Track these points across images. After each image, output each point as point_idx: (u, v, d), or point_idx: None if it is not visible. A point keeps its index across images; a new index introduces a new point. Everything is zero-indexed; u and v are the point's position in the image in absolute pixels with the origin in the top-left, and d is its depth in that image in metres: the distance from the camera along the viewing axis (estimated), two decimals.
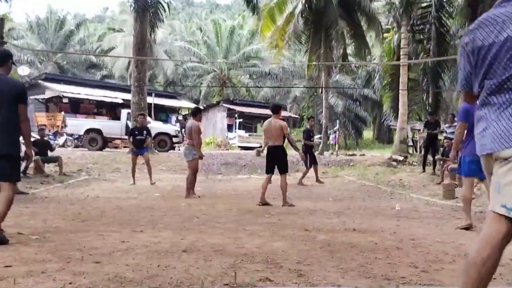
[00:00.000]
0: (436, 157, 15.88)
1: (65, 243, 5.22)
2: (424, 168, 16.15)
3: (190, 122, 11.19)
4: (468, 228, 6.57)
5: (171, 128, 29.04)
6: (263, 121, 15.90)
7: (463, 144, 6.56)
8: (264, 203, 9.45)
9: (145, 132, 13.97)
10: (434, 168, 15.63)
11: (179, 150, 26.44)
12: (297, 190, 12.54)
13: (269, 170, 9.87)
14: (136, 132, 13.97)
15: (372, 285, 3.68)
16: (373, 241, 5.65)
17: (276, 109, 10.20)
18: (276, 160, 9.74)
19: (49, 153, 15.52)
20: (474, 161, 6.50)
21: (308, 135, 15.15)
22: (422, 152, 17.00)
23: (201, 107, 12.18)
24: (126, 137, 24.90)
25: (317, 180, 15.04)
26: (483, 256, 2.54)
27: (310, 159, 14.44)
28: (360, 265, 4.37)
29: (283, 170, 9.71)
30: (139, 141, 13.81)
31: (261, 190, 9.65)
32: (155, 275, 3.91)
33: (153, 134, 24.29)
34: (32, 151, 6.02)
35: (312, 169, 14.91)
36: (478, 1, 14.34)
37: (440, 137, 17.95)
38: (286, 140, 9.71)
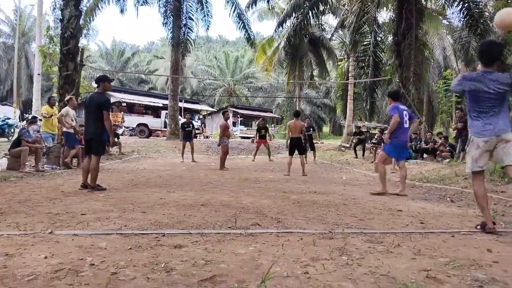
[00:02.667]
0: (371, 142, 16.04)
1: (122, 199, 5.20)
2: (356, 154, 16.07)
3: (221, 120, 11.63)
4: (382, 194, 6.39)
5: (195, 123, 28.98)
6: (257, 120, 16.11)
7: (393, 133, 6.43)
8: (288, 174, 9.60)
9: (191, 125, 14.11)
10: (363, 154, 15.82)
11: (200, 138, 26.37)
12: (275, 164, 12.59)
13: (291, 153, 9.97)
14: (185, 126, 13.96)
15: (326, 228, 3.68)
16: (327, 199, 5.66)
17: (297, 114, 10.54)
18: (297, 146, 9.91)
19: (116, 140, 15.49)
20: (397, 147, 6.54)
21: (307, 129, 14.92)
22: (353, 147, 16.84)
23: (227, 109, 12.57)
24: (165, 129, 25.11)
25: (314, 159, 14.91)
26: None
27: (310, 145, 14.46)
28: (318, 215, 4.38)
29: (302, 152, 10.23)
30: (188, 132, 13.84)
31: (287, 166, 9.82)
32: (182, 220, 3.90)
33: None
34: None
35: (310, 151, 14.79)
36: (401, 42, 14.28)
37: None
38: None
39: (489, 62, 3.85)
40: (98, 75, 6.99)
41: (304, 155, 10.27)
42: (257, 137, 15.57)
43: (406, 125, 6.45)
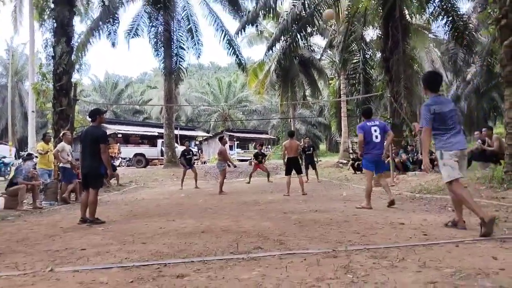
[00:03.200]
0: None
1: (122, 231, 5.14)
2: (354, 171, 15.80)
3: (220, 146, 11.57)
4: (369, 208, 6.56)
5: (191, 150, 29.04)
6: (253, 142, 16.23)
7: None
8: (288, 194, 9.56)
9: (191, 152, 14.15)
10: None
11: (197, 164, 26.28)
12: (274, 185, 12.53)
13: (289, 172, 9.98)
14: (185, 153, 13.96)
15: (329, 246, 3.65)
16: (328, 217, 5.62)
17: (292, 134, 10.75)
18: (294, 166, 9.94)
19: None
20: (372, 162, 6.81)
21: (308, 149, 14.95)
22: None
23: (223, 135, 12.59)
24: (162, 158, 25.08)
25: (317, 178, 14.57)
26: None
27: (311, 164, 14.60)
28: (320, 234, 4.34)
29: (299, 172, 10.06)
30: (188, 159, 13.82)
31: (286, 187, 9.81)
32: (183, 249, 3.86)
33: (179, 155, 24.37)
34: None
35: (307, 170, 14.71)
36: (389, 58, 14.50)
37: None
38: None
39: (437, 88, 4.56)
40: (91, 109, 7.00)
41: (301, 175, 10.20)
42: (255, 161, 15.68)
43: (378, 140, 6.72)
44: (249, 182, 14.58)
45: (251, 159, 17.59)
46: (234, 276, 2.82)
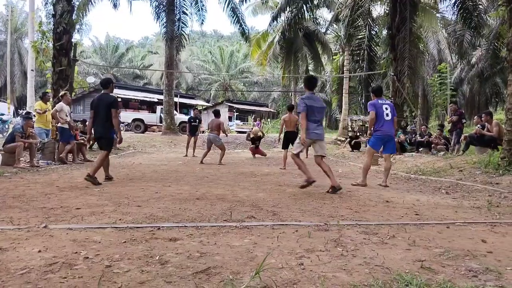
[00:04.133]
0: (366, 137, 15.99)
1: (117, 193, 5.18)
2: (352, 148, 15.74)
3: (216, 119, 11.02)
4: (363, 185, 6.59)
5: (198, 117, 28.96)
6: (253, 114, 15.68)
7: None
8: (284, 168, 9.61)
9: (197, 120, 13.83)
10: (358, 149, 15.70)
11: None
12: (271, 159, 12.59)
13: (286, 146, 9.97)
14: (191, 120, 13.74)
15: (321, 220, 3.68)
16: (323, 192, 5.66)
17: (291, 107, 10.67)
18: (291, 140, 9.78)
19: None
20: (381, 140, 6.65)
21: None
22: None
23: (219, 109, 11.94)
24: (161, 124, 25.01)
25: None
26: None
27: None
28: (314, 208, 4.38)
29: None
30: (194, 127, 13.62)
31: (282, 160, 9.92)
32: (177, 214, 3.89)
33: (177, 123, 24.30)
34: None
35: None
36: (395, 35, 14.27)
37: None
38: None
39: (312, 88, 6.05)
40: (104, 78, 7.18)
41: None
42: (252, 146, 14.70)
43: (388, 118, 6.52)
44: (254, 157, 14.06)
45: (249, 131, 17.00)
46: (226, 242, 2.86)
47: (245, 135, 19.19)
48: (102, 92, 6.59)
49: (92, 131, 6.72)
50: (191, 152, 13.59)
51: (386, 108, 6.55)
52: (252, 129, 15.36)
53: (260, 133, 14.64)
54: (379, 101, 6.64)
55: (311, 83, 6.05)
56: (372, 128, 6.66)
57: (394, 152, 7.34)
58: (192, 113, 14.88)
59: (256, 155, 14.10)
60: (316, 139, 5.80)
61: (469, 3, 14.33)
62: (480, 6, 15.64)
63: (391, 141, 6.75)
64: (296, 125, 9.99)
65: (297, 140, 5.97)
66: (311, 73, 33.39)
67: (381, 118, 6.50)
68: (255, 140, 14.42)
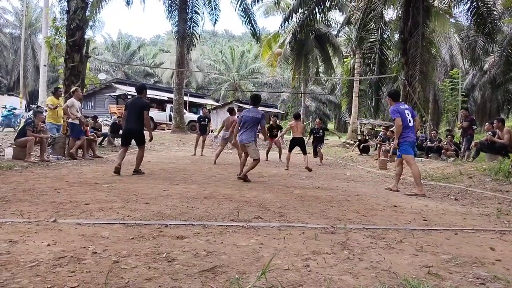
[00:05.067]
0: (376, 140, 15.91)
1: (126, 190, 5.22)
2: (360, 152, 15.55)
3: (231, 117, 11.19)
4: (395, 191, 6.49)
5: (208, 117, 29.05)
6: (275, 117, 15.38)
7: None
8: (287, 168, 9.88)
9: (207, 119, 13.84)
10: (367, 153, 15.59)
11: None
12: (281, 162, 12.53)
13: (291, 150, 10.45)
14: (201, 120, 13.78)
15: (328, 223, 3.68)
16: (330, 195, 5.65)
17: (299, 115, 11.17)
18: (299, 145, 10.40)
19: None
20: (411, 146, 6.41)
21: (317, 131, 12.81)
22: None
23: (233, 107, 11.64)
24: (170, 122, 25.08)
25: (321, 161, 13.01)
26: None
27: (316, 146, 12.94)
28: (321, 211, 4.37)
29: (305, 152, 10.31)
30: (204, 126, 13.65)
31: (286, 161, 10.24)
32: (184, 212, 3.91)
33: (186, 121, 24.38)
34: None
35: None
36: (407, 40, 14.18)
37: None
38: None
39: (253, 104, 7.40)
40: (138, 84, 8.73)
41: (306, 154, 10.15)
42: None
43: (411, 123, 6.34)
44: (267, 159, 13.25)
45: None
46: (232, 242, 2.86)
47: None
48: (136, 96, 7.61)
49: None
50: (200, 151, 13.60)
51: (408, 114, 6.33)
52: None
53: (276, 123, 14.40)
54: (401, 107, 6.42)
55: (254, 99, 7.48)
56: (399, 136, 6.33)
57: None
58: (201, 112, 14.90)
59: (271, 149, 13.98)
60: (240, 143, 7.23)
61: (483, 9, 14.20)
62: (495, 12, 15.49)
63: (414, 147, 6.62)
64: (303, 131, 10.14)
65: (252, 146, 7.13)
66: (322, 75, 33.37)
67: (406, 124, 6.26)
68: (273, 128, 13.91)
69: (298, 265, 2.40)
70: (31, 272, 2.10)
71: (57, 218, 3.36)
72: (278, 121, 11.70)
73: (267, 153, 13.72)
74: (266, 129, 7.16)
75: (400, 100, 7.05)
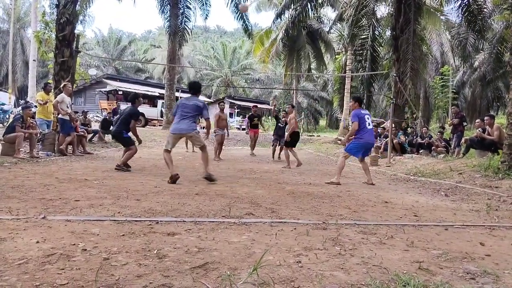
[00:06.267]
0: None
1: (116, 186, 5.18)
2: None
3: (222, 115, 11.57)
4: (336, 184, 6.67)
5: None
6: (255, 108, 15.26)
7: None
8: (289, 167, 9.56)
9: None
10: None
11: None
12: (271, 156, 12.53)
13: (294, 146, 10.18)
14: None
15: (320, 219, 3.68)
16: (322, 191, 5.66)
17: (292, 108, 10.82)
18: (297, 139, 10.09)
19: (111, 128, 15.36)
20: (363, 147, 7.02)
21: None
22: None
23: (222, 100, 11.45)
24: (162, 119, 24.96)
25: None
26: None
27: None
28: (312, 207, 4.38)
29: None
30: None
31: (286, 160, 9.80)
32: (176, 209, 3.90)
33: None
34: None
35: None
36: (399, 36, 14.22)
37: None
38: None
39: (192, 92, 6.58)
40: (132, 94, 9.09)
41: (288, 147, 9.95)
42: (249, 127, 13.64)
43: (370, 127, 6.98)
44: (252, 154, 13.33)
45: (245, 127, 16.07)
46: (224, 238, 2.86)
47: (244, 131, 19.15)
48: (130, 106, 8.07)
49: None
50: (191, 147, 13.55)
51: (368, 118, 7.00)
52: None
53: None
54: (362, 111, 7.05)
55: (192, 87, 6.73)
56: (350, 137, 7.11)
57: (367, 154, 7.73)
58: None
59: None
60: (179, 133, 6.41)
61: (474, 6, 14.28)
62: (485, 10, 15.59)
63: (370, 149, 7.55)
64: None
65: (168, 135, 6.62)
66: (314, 71, 33.39)
67: (364, 126, 6.89)
68: (254, 117, 13.41)
69: (289, 261, 2.40)
70: (19, 270, 2.07)
71: (46, 214, 3.33)
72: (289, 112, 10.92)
73: (251, 147, 13.64)
74: (210, 123, 6.59)
75: (392, 97, 7.31)
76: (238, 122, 37.07)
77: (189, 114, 6.29)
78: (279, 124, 12.35)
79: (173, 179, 5.85)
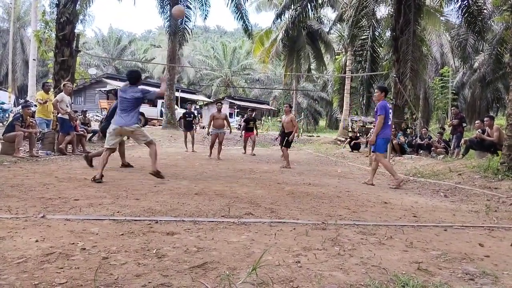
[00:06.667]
0: (366, 137, 15.95)
1: (116, 186, 5.18)
2: (351, 149, 14.38)
3: (221, 114, 11.70)
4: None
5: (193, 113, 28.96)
6: (254, 112, 15.34)
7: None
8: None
9: (192, 115, 13.93)
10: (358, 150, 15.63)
11: (196, 129, 26.22)
12: (270, 157, 12.56)
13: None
14: (186, 115, 13.87)
15: (319, 219, 3.68)
16: (321, 191, 5.66)
17: (290, 108, 10.44)
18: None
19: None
20: (386, 142, 6.97)
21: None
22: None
23: (220, 100, 11.68)
24: (161, 118, 24.97)
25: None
26: None
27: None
28: (312, 207, 4.38)
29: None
30: (188, 122, 13.74)
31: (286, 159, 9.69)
32: (175, 208, 3.89)
33: (178, 117, 24.26)
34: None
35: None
36: (399, 37, 14.23)
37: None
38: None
39: (131, 82, 6.14)
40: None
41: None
42: (244, 130, 14.02)
43: (390, 122, 6.90)
44: (244, 153, 13.76)
45: (240, 130, 16.15)
46: (223, 238, 2.85)
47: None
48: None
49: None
50: (191, 147, 13.60)
51: (390, 113, 6.82)
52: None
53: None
54: (388, 105, 6.87)
55: (130, 76, 6.25)
56: (378, 132, 6.76)
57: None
58: (187, 108, 14.96)
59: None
60: (121, 125, 5.89)
61: (474, 8, 14.29)
62: (485, 11, 15.61)
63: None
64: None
65: (107, 132, 6.04)
66: (313, 72, 33.41)
67: (387, 122, 6.76)
68: (250, 121, 13.68)
69: (289, 261, 2.39)
70: (18, 269, 2.07)
71: (45, 213, 3.33)
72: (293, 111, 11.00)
73: (244, 148, 13.97)
74: (160, 94, 6.43)
75: (392, 98, 7.31)
76: (237, 121, 37.09)
77: (129, 107, 5.91)
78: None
79: (96, 179, 5.41)
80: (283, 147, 9.92)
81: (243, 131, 14.15)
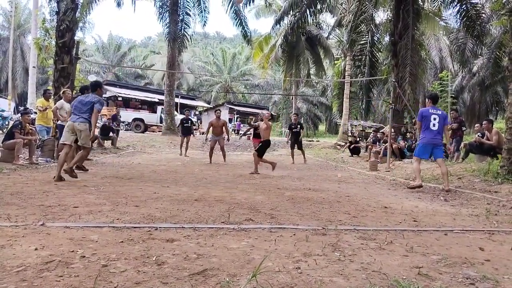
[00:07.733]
0: (366, 142, 15.97)
1: (116, 193, 5.17)
2: (293, 159, 13.17)
3: (220, 121, 11.85)
4: (419, 187, 6.87)
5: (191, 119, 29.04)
6: (253, 117, 15.54)
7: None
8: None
9: (189, 121, 14.38)
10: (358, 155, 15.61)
11: (196, 134, 26.24)
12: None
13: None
14: (184, 122, 14.22)
15: (319, 224, 3.67)
16: (321, 196, 5.65)
17: (270, 116, 10.94)
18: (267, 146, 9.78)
19: (110, 134, 15.44)
20: (427, 146, 6.99)
21: (294, 126, 13.15)
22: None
23: (218, 108, 11.87)
24: (161, 124, 25.01)
25: (304, 160, 13.10)
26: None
27: (295, 143, 13.05)
28: (312, 212, 4.37)
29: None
30: (186, 128, 14.13)
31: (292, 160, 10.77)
32: (175, 215, 3.88)
33: (177, 123, 24.31)
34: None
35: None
36: (398, 42, 14.29)
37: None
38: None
39: (92, 89, 6.84)
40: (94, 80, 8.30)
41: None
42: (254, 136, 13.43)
43: (435, 128, 6.85)
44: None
45: (247, 131, 16.66)
46: (223, 244, 2.85)
47: (244, 137, 19.19)
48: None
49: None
50: (184, 151, 14.08)
51: (435, 119, 6.87)
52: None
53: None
54: (430, 110, 6.96)
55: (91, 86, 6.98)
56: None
57: (441, 156, 7.24)
58: (185, 114, 15.07)
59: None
60: (72, 122, 6.60)
61: (472, 12, 14.37)
62: (483, 15, 15.68)
63: (437, 147, 7.02)
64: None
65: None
66: (313, 77, 33.51)
67: (427, 127, 6.87)
68: (258, 128, 13.37)
69: (289, 267, 2.39)
70: (17, 277, 2.06)
71: (45, 221, 3.32)
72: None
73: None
74: (97, 116, 6.77)
75: (391, 102, 7.32)
76: (233, 126, 37.08)
77: (83, 108, 6.60)
78: (294, 130, 13.12)
79: (58, 178, 6.02)
80: (253, 152, 9.71)
81: (251, 138, 14.71)
